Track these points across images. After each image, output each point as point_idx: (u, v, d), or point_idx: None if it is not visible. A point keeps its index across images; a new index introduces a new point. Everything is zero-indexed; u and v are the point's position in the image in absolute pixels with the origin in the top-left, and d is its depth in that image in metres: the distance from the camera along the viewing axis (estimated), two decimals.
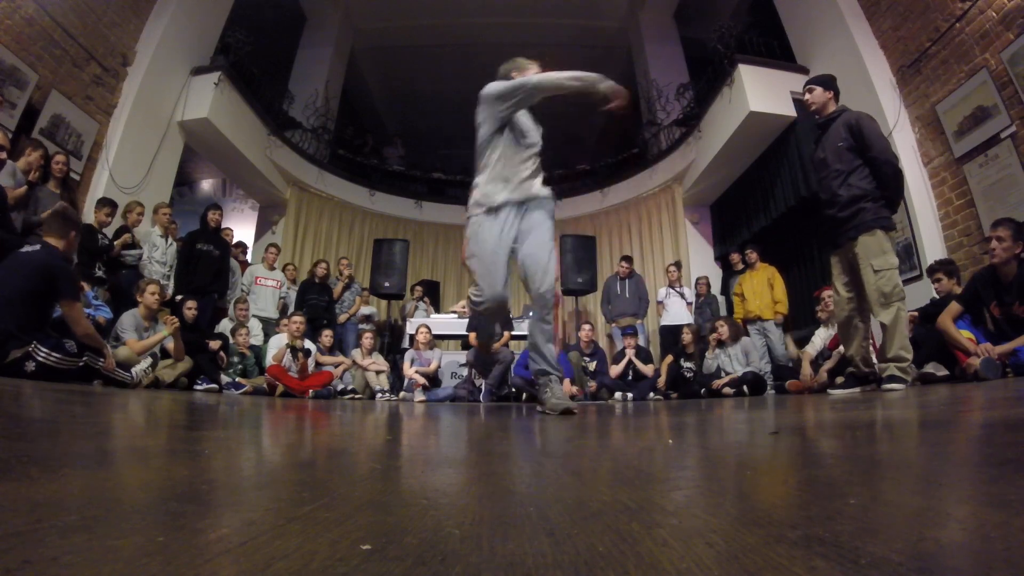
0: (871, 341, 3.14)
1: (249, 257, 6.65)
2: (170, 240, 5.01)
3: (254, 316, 5.52)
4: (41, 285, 2.76)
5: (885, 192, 2.83)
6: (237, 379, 4.58)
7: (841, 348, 3.44)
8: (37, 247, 2.87)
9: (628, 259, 6.63)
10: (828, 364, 3.97)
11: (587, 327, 5.78)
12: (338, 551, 0.34)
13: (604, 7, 8.94)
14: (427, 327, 5.64)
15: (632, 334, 5.76)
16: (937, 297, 3.68)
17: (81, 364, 2.83)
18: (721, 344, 4.94)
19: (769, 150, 6.13)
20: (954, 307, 3.08)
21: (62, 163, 4.12)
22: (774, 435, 1.20)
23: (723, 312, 6.25)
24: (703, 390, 4.83)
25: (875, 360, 2.95)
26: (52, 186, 4.04)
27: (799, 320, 5.85)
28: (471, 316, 2.41)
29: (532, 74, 2.45)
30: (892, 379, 2.71)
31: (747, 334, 5.38)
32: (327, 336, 5.42)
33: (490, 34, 9.37)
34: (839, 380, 3.20)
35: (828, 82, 3.03)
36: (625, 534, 0.38)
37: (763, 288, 5.52)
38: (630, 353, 5.53)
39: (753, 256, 5.68)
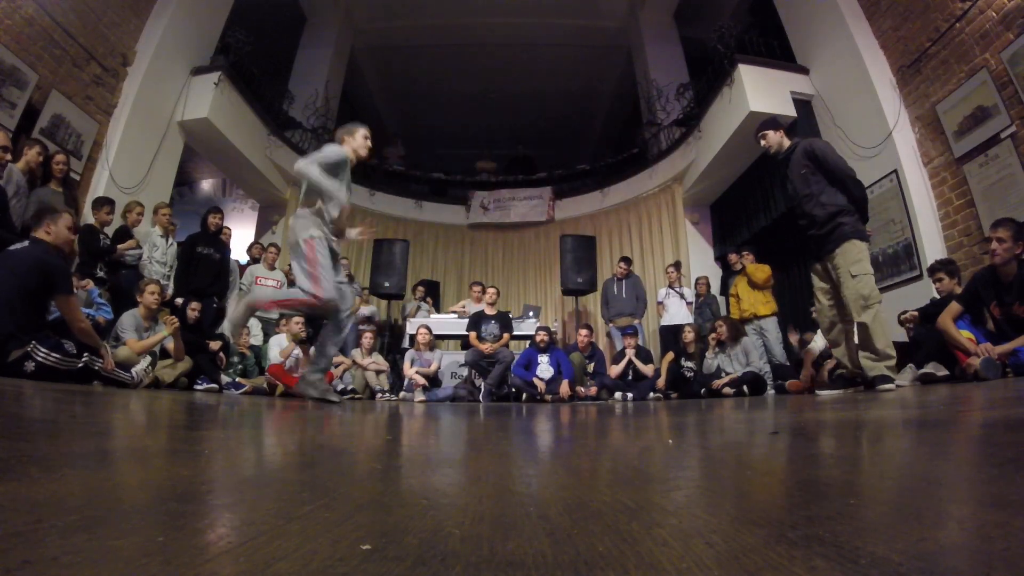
0: None
1: (244, 256, 6.62)
2: (170, 240, 5.01)
3: (254, 316, 5.51)
4: (36, 282, 2.75)
5: (855, 203, 3.03)
6: (237, 379, 4.58)
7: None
8: (26, 243, 2.87)
9: (627, 260, 6.63)
10: (829, 364, 3.97)
11: (585, 330, 5.78)
12: (338, 551, 0.34)
13: (604, 7, 8.94)
14: (427, 327, 5.64)
15: (632, 334, 5.75)
16: (938, 297, 3.69)
17: (80, 365, 2.83)
18: (721, 344, 4.94)
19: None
20: (954, 307, 3.08)
21: (62, 163, 4.12)
22: (774, 435, 1.20)
23: (723, 312, 6.25)
24: (703, 390, 4.83)
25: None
26: (54, 185, 4.05)
27: (799, 320, 5.84)
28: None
29: (360, 136, 3.04)
30: (883, 379, 2.80)
31: (746, 334, 5.37)
32: None
33: (490, 34, 9.38)
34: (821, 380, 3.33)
35: (774, 123, 3.37)
36: (625, 534, 0.38)
37: (758, 287, 5.51)
38: (630, 353, 5.53)
39: (749, 258, 5.66)
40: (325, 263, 2.81)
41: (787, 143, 3.27)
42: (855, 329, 3.18)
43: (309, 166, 2.79)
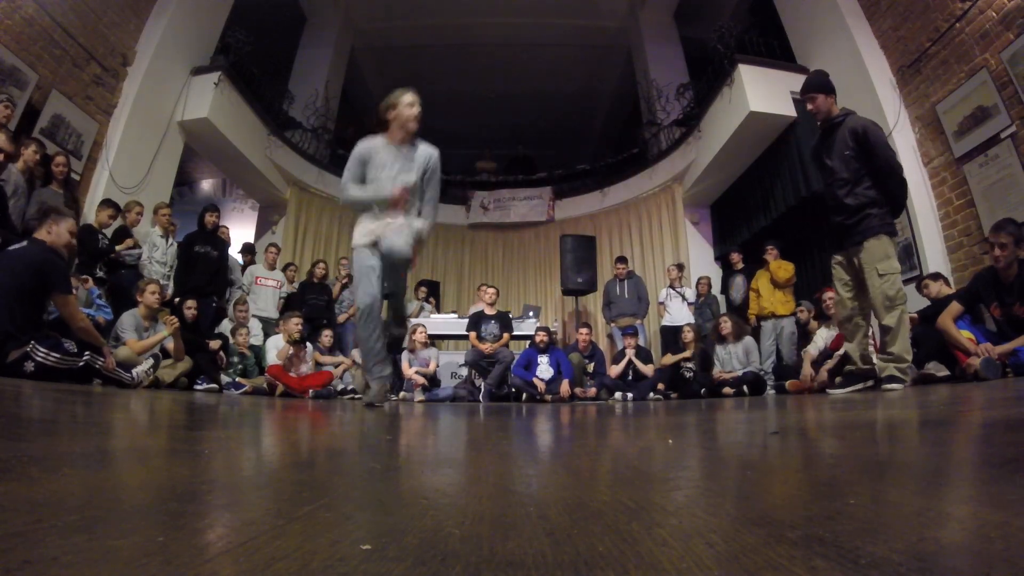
0: (872, 341, 3.17)
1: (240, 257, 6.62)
2: (170, 240, 5.01)
3: (254, 316, 5.51)
4: (32, 281, 2.75)
5: (890, 200, 2.87)
6: (237, 379, 4.58)
7: (842, 349, 3.47)
8: (24, 243, 2.87)
9: (623, 259, 6.64)
10: (829, 364, 3.97)
11: (585, 330, 5.78)
12: (338, 551, 0.34)
13: (604, 7, 8.94)
14: (423, 327, 5.65)
15: (632, 334, 5.76)
16: (932, 300, 3.72)
17: (81, 364, 2.82)
18: (722, 340, 4.95)
19: (769, 150, 6.13)
20: (955, 307, 3.08)
21: (63, 164, 4.13)
22: (774, 435, 1.20)
23: (723, 312, 6.25)
24: (703, 390, 4.84)
25: (875, 360, 2.96)
26: (55, 186, 4.07)
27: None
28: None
29: (404, 105, 2.60)
30: (891, 379, 2.75)
31: (757, 332, 5.37)
32: (327, 336, 5.42)
33: (490, 34, 9.38)
34: (838, 380, 3.25)
35: (826, 85, 3.00)
36: (625, 534, 0.38)
37: (780, 284, 5.47)
38: (630, 353, 5.53)
39: (773, 253, 5.53)
40: (360, 267, 2.73)
41: (836, 110, 2.97)
42: (872, 328, 3.12)
43: (343, 193, 2.65)
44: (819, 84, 3.01)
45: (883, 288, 2.78)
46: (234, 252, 6.00)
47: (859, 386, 2.97)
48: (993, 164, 4.03)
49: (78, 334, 2.87)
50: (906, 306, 2.83)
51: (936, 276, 3.87)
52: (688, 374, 5.24)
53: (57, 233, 2.95)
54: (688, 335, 5.36)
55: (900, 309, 2.78)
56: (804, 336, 4.97)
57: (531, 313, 6.36)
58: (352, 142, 2.91)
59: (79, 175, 4.79)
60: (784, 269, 5.39)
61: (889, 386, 2.73)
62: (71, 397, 1.88)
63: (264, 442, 1.22)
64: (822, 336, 4.39)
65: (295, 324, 4.80)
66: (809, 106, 3.02)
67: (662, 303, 6.45)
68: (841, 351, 3.63)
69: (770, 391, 4.76)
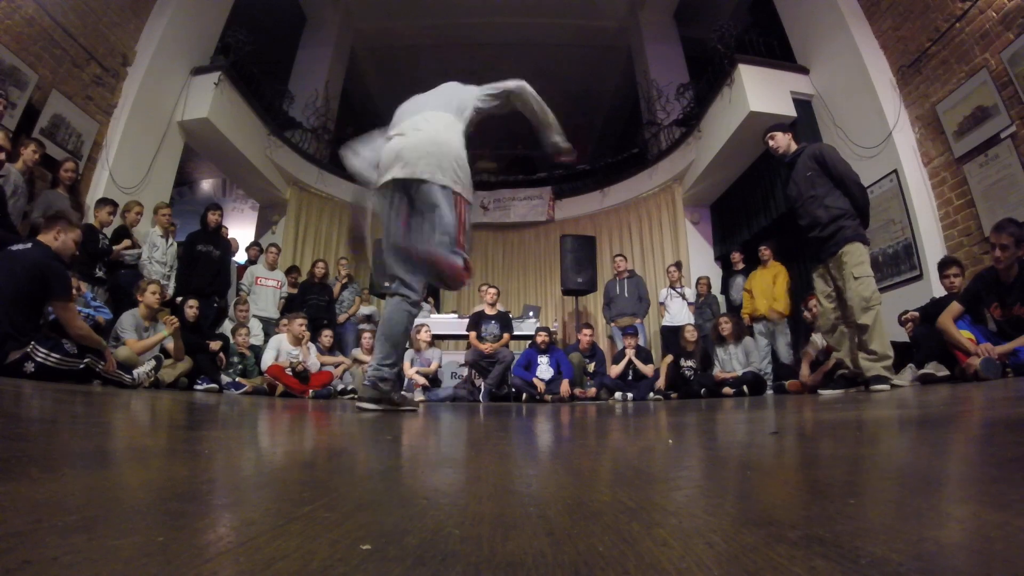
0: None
1: (244, 256, 6.62)
2: (170, 240, 5.01)
3: (254, 316, 5.51)
4: (32, 284, 2.75)
5: (857, 209, 3.10)
6: (237, 379, 4.58)
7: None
8: (28, 245, 2.86)
9: (621, 256, 6.67)
10: (826, 366, 3.98)
11: (587, 330, 5.79)
12: (338, 551, 0.34)
13: (604, 7, 8.94)
14: (427, 327, 5.65)
15: (633, 334, 5.76)
16: (937, 297, 3.70)
17: (82, 367, 2.82)
18: (723, 340, 4.95)
19: (769, 150, 6.12)
20: (955, 307, 3.09)
21: (71, 170, 4.16)
22: (774, 435, 1.20)
23: (723, 312, 6.25)
24: (703, 390, 4.84)
25: (861, 360, 3.02)
26: (60, 189, 4.10)
27: (799, 319, 5.84)
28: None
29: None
30: (878, 379, 2.82)
31: (752, 333, 5.37)
32: (327, 336, 5.42)
33: (490, 34, 9.38)
34: (812, 376, 3.39)
35: (784, 126, 3.49)
36: (625, 534, 0.38)
37: (770, 287, 5.49)
38: (630, 353, 5.53)
39: (767, 253, 5.57)
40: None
41: (794, 146, 3.36)
42: (855, 330, 3.22)
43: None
44: (777, 125, 3.49)
45: (859, 290, 2.96)
46: (238, 254, 6.00)
47: (850, 390, 3.08)
48: (993, 164, 4.03)
49: (78, 341, 2.86)
50: (882, 307, 3.00)
51: (963, 267, 3.68)
52: (688, 372, 5.24)
53: (64, 241, 2.98)
54: (691, 335, 5.37)
55: (876, 309, 2.95)
56: (804, 336, 4.98)
57: (531, 313, 6.37)
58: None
59: (79, 175, 4.79)
60: (782, 288, 5.40)
61: (877, 386, 2.79)
62: (71, 397, 1.88)
63: (264, 442, 1.22)
64: (819, 338, 4.40)
65: (299, 326, 4.79)
66: (771, 143, 3.40)
67: (662, 303, 6.45)
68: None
69: (769, 391, 4.76)
